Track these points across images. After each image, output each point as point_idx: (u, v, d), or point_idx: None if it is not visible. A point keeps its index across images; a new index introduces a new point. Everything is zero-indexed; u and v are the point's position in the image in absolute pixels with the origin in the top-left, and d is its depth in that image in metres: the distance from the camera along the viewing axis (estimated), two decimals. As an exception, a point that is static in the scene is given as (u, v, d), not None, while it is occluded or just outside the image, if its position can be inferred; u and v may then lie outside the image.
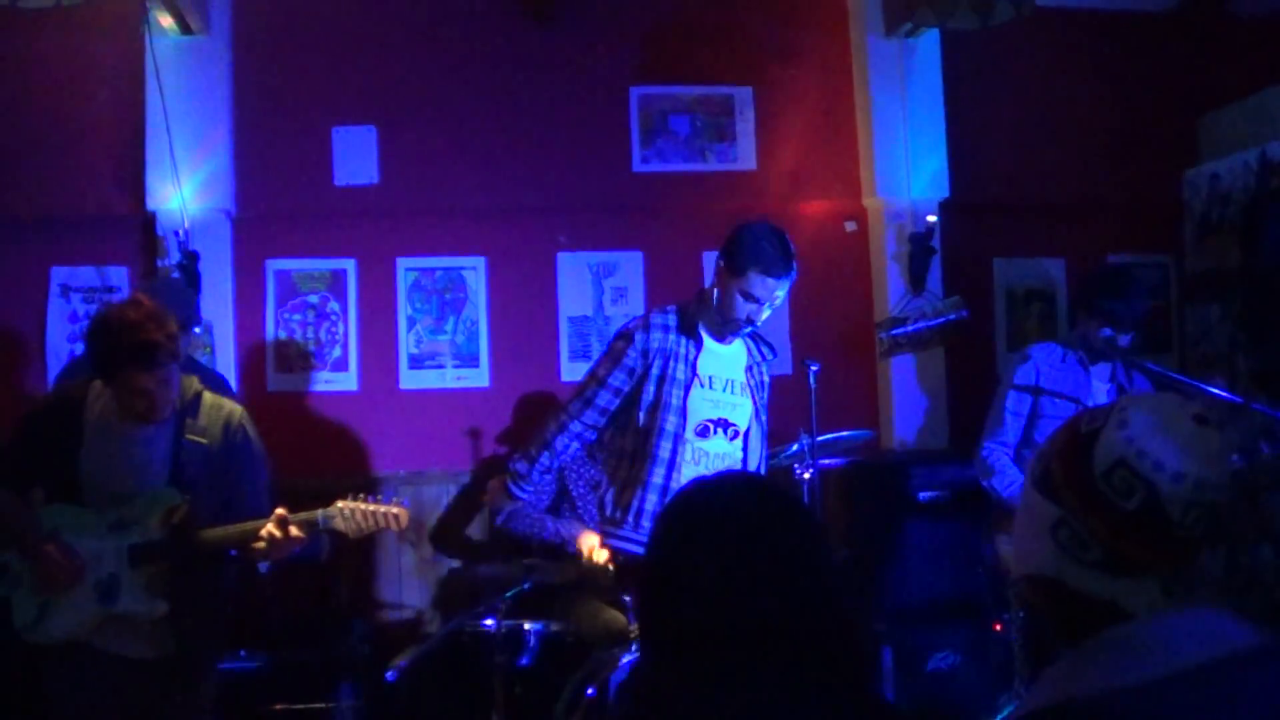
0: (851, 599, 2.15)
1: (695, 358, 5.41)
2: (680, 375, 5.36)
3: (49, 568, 4.78)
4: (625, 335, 5.51)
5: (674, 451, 5.35)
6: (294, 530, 4.85)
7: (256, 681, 6.60)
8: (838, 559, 5.15)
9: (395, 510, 5.09)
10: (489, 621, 5.98)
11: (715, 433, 5.45)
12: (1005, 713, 5.82)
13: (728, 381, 5.50)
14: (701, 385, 5.42)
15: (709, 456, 5.44)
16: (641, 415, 5.40)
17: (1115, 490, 2.17)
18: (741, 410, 5.53)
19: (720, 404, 5.47)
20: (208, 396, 5.12)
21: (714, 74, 8.04)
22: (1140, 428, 2.19)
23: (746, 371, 5.57)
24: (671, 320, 5.50)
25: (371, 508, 5.04)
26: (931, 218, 7.83)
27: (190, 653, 4.98)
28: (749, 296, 5.27)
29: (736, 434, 5.52)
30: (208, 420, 5.04)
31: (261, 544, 4.86)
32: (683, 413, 5.36)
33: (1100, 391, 6.44)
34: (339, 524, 5.01)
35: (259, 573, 6.27)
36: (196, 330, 6.51)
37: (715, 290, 5.44)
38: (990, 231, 8.26)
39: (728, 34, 8.06)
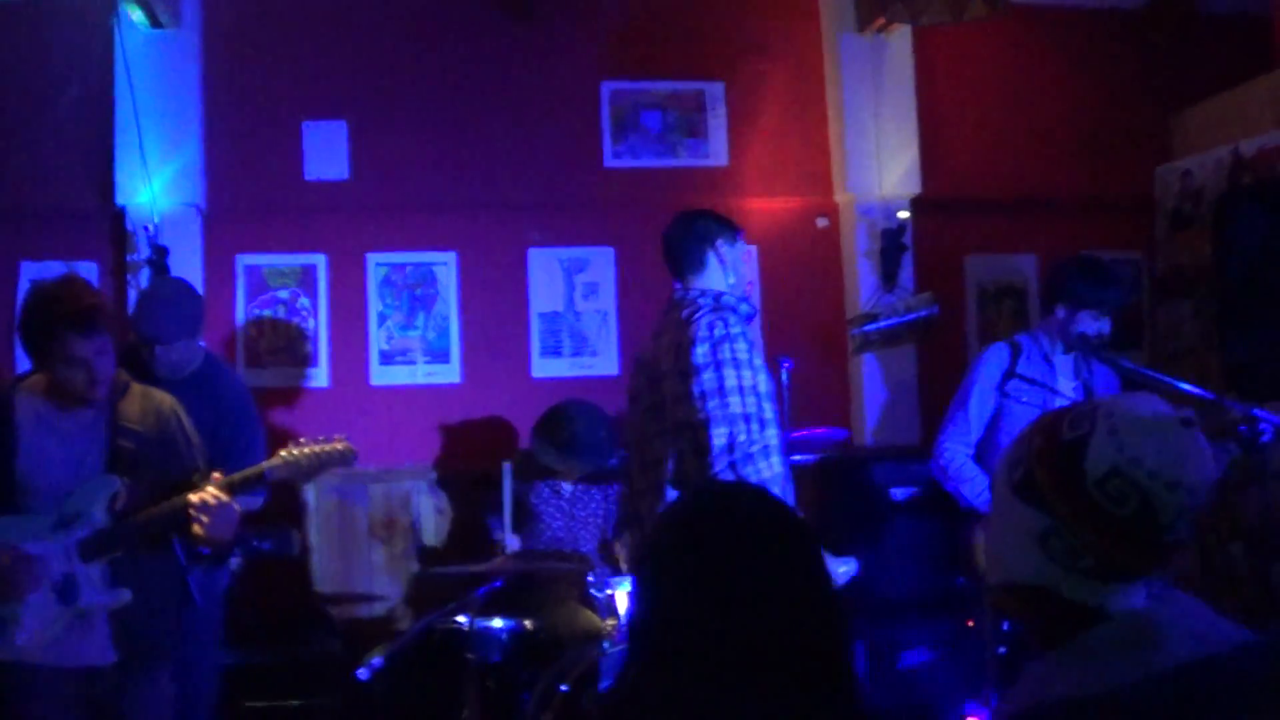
0: (844, 615, 2.15)
1: None
2: None
3: (4, 573, 4.71)
4: None
5: None
6: (222, 495, 4.74)
7: (229, 679, 6.55)
8: (850, 572, 5.11)
9: (339, 445, 5.02)
10: (461, 619, 5.97)
11: None
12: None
13: None
14: None
15: None
16: None
17: (1110, 499, 2.16)
18: None
19: None
20: (136, 386, 5.05)
21: (686, 69, 8.04)
22: (1132, 434, 2.18)
23: None
24: None
25: (315, 448, 4.99)
26: (903, 214, 7.84)
27: (142, 647, 4.89)
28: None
29: None
30: (140, 408, 4.97)
31: (203, 517, 4.74)
32: None
33: (1066, 388, 6.40)
34: (285, 472, 4.96)
35: (230, 571, 6.35)
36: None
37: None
38: (962, 228, 8.26)
39: (700, 29, 8.06)
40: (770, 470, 4.83)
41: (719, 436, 4.83)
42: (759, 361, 5.04)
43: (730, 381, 4.88)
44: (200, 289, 7.32)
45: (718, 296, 5.20)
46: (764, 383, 5.00)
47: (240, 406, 6.19)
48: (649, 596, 2.34)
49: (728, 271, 5.31)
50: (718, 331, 4.95)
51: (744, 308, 5.24)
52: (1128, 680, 2.05)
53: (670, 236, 5.43)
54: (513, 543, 6.97)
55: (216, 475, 4.86)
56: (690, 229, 5.38)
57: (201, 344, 6.27)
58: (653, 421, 5.19)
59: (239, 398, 6.25)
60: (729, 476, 4.79)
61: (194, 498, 4.73)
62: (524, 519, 6.97)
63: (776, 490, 4.83)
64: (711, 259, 5.30)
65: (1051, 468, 2.22)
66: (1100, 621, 2.17)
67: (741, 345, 4.95)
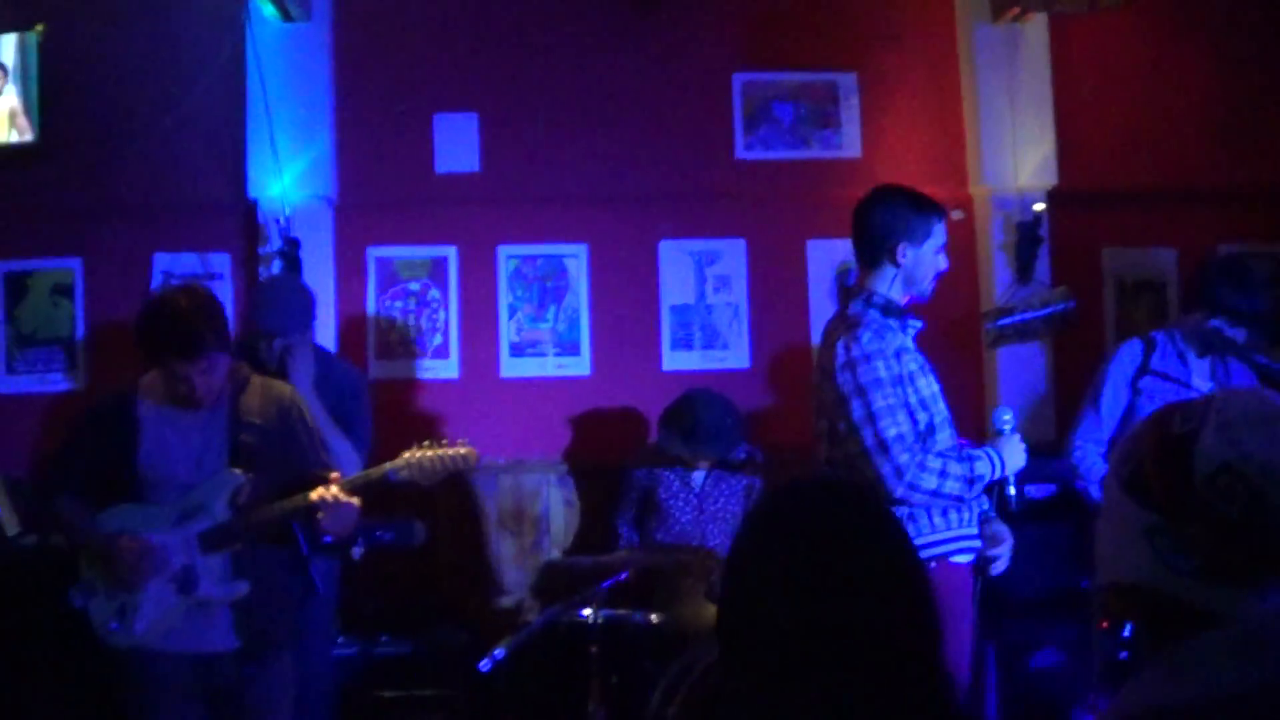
0: (936, 614, 2.15)
1: None
2: None
3: (127, 560, 4.78)
4: None
5: None
6: (341, 495, 4.81)
7: (354, 669, 6.67)
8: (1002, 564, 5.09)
9: (463, 451, 5.08)
10: (586, 611, 5.93)
11: None
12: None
13: None
14: None
15: None
16: None
17: (1219, 496, 2.06)
18: None
19: None
20: (257, 379, 5.14)
21: (818, 60, 7.95)
22: (1243, 429, 2.08)
23: None
24: None
25: (439, 451, 5.04)
26: (1039, 206, 7.69)
27: (264, 636, 4.98)
28: None
29: None
30: (260, 401, 5.05)
31: (322, 514, 4.82)
32: None
33: (1202, 386, 6.24)
34: (408, 474, 5.02)
35: (353, 559, 6.39)
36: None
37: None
38: (1099, 220, 8.07)
39: (832, 19, 7.96)
40: (937, 480, 4.79)
41: (882, 466, 4.79)
42: (912, 367, 4.98)
43: (878, 404, 4.82)
44: (332, 281, 7.46)
45: (869, 298, 5.09)
46: (918, 391, 4.96)
47: (349, 404, 6.26)
48: (737, 591, 2.33)
49: (900, 274, 5.11)
50: (853, 351, 4.89)
51: (894, 313, 5.09)
52: (1230, 691, 1.96)
53: (854, 224, 5.23)
54: (629, 535, 7.00)
55: (335, 475, 4.91)
56: (872, 224, 5.16)
57: (312, 338, 6.37)
58: (820, 419, 5.15)
59: (350, 396, 6.32)
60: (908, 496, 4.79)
61: (314, 496, 4.80)
62: (652, 512, 6.95)
63: (954, 492, 4.84)
64: (885, 264, 5.11)
65: (1160, 463, 2.14)
66: (1209, 626, 2.06)
67: (879, 365, 4.87)
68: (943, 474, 4.80)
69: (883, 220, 5.12)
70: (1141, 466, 2.17)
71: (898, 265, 5.07)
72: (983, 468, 4.89)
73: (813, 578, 2.20)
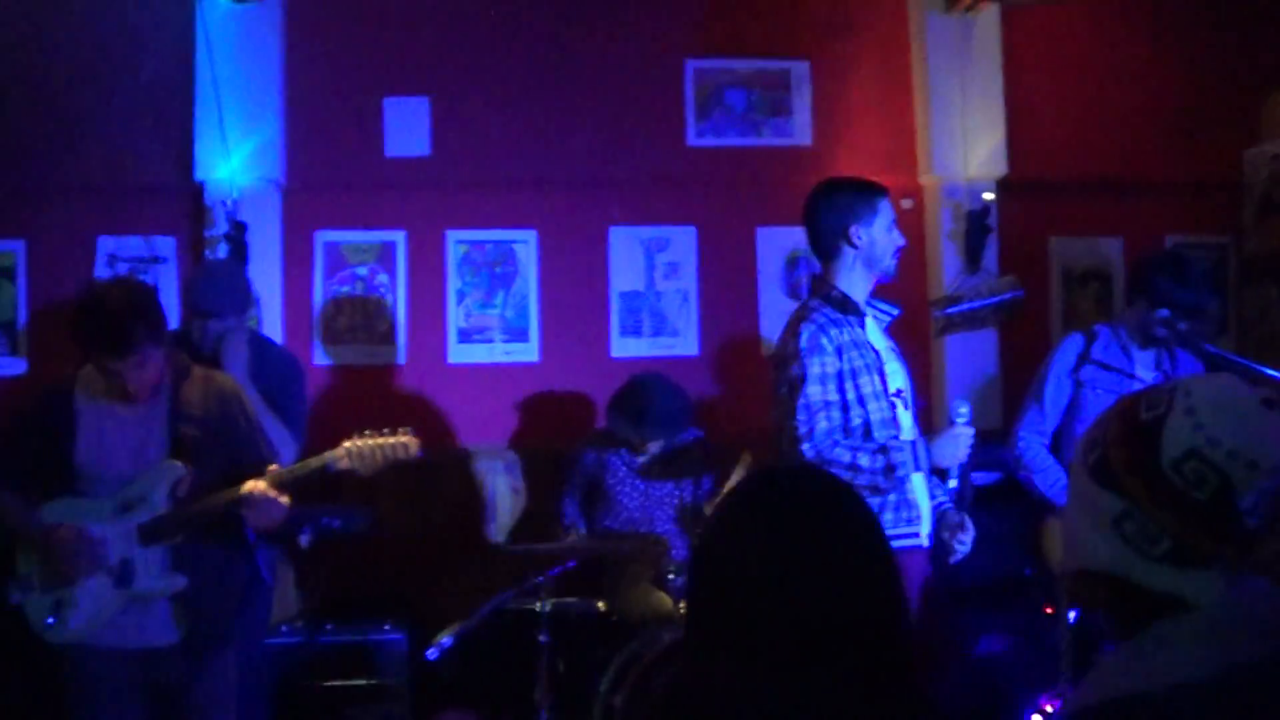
0: (905, 599, 2.19)
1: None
2: None
3: (64, 552, 4.73)
4: None
5: None
6: (270, 491, 4.76)
7: (299, 659, 6.61)
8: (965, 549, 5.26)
9: (404, 439, 5.01)
10: (534, 599, 5.98)
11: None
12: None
13: None
14: None
15: None
16: None
17: (1187, 481, 2.08)
18: None
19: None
20: (197, 370, 5.08)
21: (770, 47, 7.95)
22: (1210, 414, 2.10)
23: None
24: None
25: (379, 441, 4.97)
26: (988, 195, 7.73)
27: (207, 630, 4.93)
28: None
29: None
30: (201, 392, 4.98)
31: (248, 510, 4.79)
32: None
33: (1146, 376, 6.28)
34: (347, 463, 4.94)
35: (301, 547, 6.35)
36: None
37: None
38: (1047, 210, 8.13)
39: (784, 7, 7.96)
40: (846, 474, 4.84)
41: (803, 458, 4.91)
42: (857, 364, 5.04)
43: (803, 401, 4.96)
44: (279, 265, 7.40)
45: (826, 293, 5.18)
46: (858, 389, 5.03)
47: (285, 388, 6.19)
48: (709, 577, 2.32)
49: (859, 256, 5.20)
50: (789, 347, 5.06)
51: (851, 309, 5.16)
52: (1203, 675, 1.99)
53: (806, 219, 5.32)
54: (574, 516, 7.02)
55: (274, 468, 4.87)
56: (821, 215, 5.26)
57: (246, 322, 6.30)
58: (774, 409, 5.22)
59: (285, 380, 6.25)
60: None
61: (243, 490, 4.74)
62: (599, 500, 6.94)
63: (865, 483, 4.87)
64: (843, 249, 5.21)
65: (1127, 449, 2.16)
66: (1178, 611, 2.09)
67: (812, 361, 4.98)
68: (849, 466, 4.88)
69: (830, 209, 5.23)
70: (1108, 453, 2.18)
71: (855, 247, 5.17)
72: (900, 458, 4.92)
73: (784, 563, 2.19)
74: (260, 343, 6.33)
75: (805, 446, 4.90)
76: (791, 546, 2.21)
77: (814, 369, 4.95)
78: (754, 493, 2.40)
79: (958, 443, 5.02)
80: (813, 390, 4.94)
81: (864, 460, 4.88)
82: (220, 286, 6.08)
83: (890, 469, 4.90)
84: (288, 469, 4.95)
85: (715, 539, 2.35)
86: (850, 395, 5.00)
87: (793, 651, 2.15)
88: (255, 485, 4.74)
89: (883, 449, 4.92)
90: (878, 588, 2.24)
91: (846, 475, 4.77)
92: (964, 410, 5.05)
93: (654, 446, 6.86)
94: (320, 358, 7.55)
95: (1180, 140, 8.18)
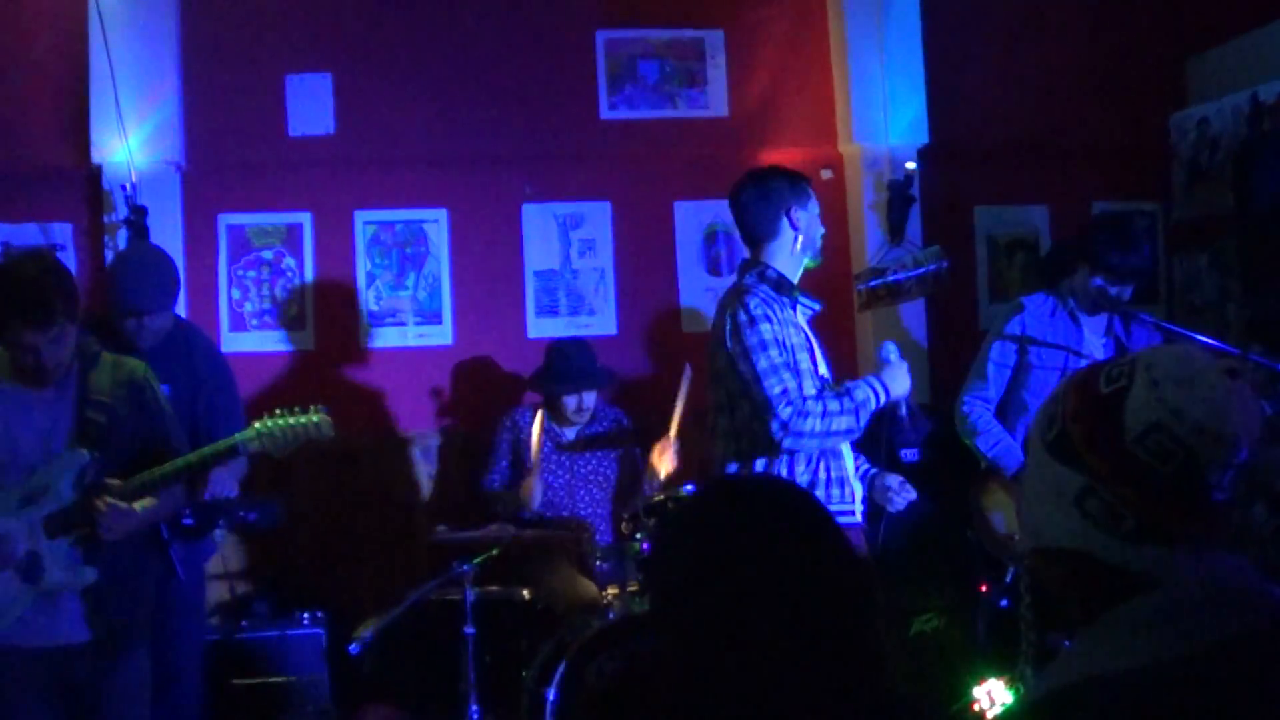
0: (872, 596, 2.13)
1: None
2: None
3: None
4: None
5: None
6: (119, 503, 4.63)
7: (215, 657, 6.49)
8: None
9: (316, 419, 4.92)
10: (456, 589, 5.91)
11: None
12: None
13: None
14: None
15: None
16: None
17: (1151, 456, 2.02)
18: None
19: None
20: (107, 356, 4.94)
21: (683, 16, 7.86)
22: (1173, 387, 2.04)
23: None
24: None
25: (290, 420, 4.88)
26: (910, 164, 7.65)
27: (119, 627, 4.80)
28: None
29: None
30: (110, 379, 4.85)
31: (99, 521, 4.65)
32: None
33: (1095, 345, 6.36)
34: (258, 444, 4.86)
35: (215, 541, 6.20)
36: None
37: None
38: (971, 178, 8.10)
39: (698, -28, 7.87)
40: (821, 421, 4.93)
41: (769, 423, 4.93)
42: (796, 340, 5.10)
43: (762, 364, 4.96)
44: (181, 249, 7.19)
45: (762, 271, 5.25)
46: (798, 364, 5.06)
47: (217, 371, 6.16)
48: (666, 579, 2.29)
49: (798, 238, 5.27)
50: (739, 317, 5.04)
51: (786, 291, 5.25)
52: (1170, 654, 1.93)
53: (740, 202, 5.34)
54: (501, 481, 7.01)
55: (115, 483, 4.69)
56: (760, 197, 5.30)
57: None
58: (715, 389, 5.29)
59: (215, 362, 6.22)
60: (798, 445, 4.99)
61: (96, 501, 4.61)
62: (524, 475, 6.85)
63: (842, 427, 5.01)
64: (785, 228, 5.28)
65: (1087, 423, 2.09)
66: (1143, 590, 2.03)
67: (764, 328, 5.02)
68: (824, 414, 4.93)
69: (768, 191, 5.30)
70: (1066, 428, 2.13)
71: (795, 229, 5.25)
72: (863, 394, 5.04)
73: (742, 562, 2.15)
74: (192, 329, 6.32)
75: (781, 407, 4.90)
76: (746, 545, 2.18)
77: (769, 334, 5.00)
78: (708, 496, 2.44)
79: (901, 375, 5.19)
80: (774, 353, 4.99)
81: (833, 405, 4.96)
82: (151, 280, 5.94)
83: (857, 408, 5.00)
84: (198, 451, 4.85)
85: (672, 541, 2.38)
86: (805, 365, 5.08)
87: (752, 650, 2.11)
88: (101, 499, 4.60)
89: (844, 391, 5.06)
90: (835, 584, 2.18)
91: (823, 425, 4.92)
92: (892, 348, 5.24)
93: (571, 402, 6.84)
94: (227, 345, 7.34)
95: (1105, 105, 8.14)
